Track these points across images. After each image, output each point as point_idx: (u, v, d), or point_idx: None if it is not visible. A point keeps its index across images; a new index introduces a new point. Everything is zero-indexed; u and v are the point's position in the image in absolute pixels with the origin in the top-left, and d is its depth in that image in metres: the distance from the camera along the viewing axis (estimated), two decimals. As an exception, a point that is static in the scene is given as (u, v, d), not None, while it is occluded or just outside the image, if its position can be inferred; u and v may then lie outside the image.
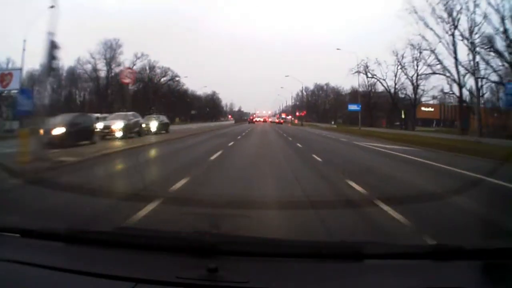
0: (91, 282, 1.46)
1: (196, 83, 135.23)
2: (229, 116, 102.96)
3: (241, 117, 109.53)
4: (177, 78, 65.91)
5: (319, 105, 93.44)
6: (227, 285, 1.42)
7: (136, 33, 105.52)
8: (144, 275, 1.46)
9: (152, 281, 1.44)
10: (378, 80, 54.94)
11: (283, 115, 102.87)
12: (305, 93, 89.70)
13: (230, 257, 1.65)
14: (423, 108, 59.11)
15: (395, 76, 52.14)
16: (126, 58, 57.95)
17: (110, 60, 57.01)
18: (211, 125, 53.97)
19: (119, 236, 1.84)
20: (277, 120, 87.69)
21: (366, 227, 4.24)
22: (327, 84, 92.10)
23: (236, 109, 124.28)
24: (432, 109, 61.48)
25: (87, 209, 4.72)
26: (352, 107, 51.27)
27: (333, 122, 73.20)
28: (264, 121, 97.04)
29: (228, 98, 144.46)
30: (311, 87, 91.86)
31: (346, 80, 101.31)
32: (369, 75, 55.02)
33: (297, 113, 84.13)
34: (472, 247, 1.78)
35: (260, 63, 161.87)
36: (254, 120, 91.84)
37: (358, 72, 52.15)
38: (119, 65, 55.89)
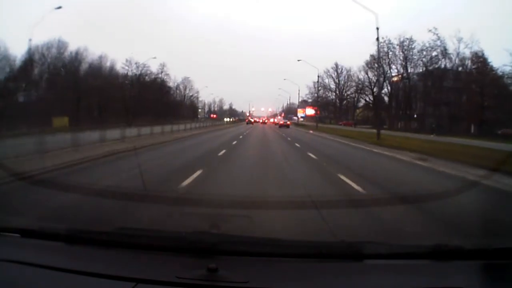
0: (91, 282, 1.46)
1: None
2: (213, 116, 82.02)
3: (236, 116, 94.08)
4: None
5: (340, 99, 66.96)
6: (227, 285, 1.42)
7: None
8: (144, 275, 1.46)
9: (152, 281, 1.44)
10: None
11: (302, 112, 75.92)
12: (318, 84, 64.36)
13: (230, 257, 1.65)
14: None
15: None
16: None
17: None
18: None
19: (119, 236, 1.84)
20: (282, 122, 60.18)
21: None
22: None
23: (226, 106, 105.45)
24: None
25: None
26: None
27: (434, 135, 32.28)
28: (263, 122, 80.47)
29: (219, 96, 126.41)
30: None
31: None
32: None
33: (306, 112, 68.55)
34: (472, 247, 1.78)
35: (260, 62, 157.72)
36: (252, 120, 79.52)
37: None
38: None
